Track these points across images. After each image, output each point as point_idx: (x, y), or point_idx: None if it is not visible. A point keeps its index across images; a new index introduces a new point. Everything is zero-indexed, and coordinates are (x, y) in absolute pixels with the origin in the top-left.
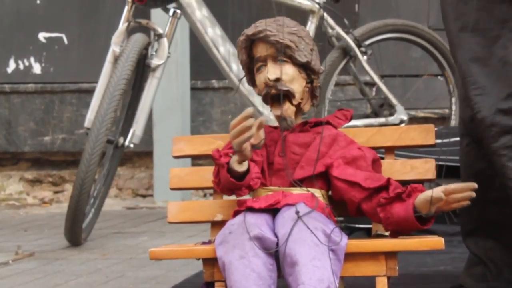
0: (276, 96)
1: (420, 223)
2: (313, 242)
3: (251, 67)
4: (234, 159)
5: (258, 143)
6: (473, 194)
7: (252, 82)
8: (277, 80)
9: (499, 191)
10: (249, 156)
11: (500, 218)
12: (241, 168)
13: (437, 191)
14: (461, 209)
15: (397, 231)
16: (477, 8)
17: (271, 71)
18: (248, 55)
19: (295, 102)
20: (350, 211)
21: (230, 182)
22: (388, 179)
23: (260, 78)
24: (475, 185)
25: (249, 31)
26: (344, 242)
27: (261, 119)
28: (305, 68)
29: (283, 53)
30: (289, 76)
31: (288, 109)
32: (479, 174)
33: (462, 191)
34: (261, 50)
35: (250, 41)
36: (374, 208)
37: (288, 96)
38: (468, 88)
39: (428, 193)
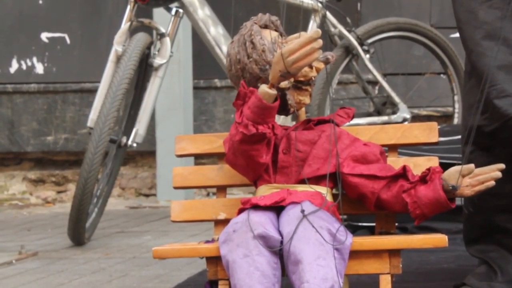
0: None
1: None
2: (317, 241)
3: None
4: (264, 86)
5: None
6: (500, 175)
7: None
8: None
9: (508, 198)
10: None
11: (508, 226)
12: (272, 91)
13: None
14: (465, 217)
15: (424, 215)
16: (500, 18)
17: None
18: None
19: None
20: (369, 206)
21: (263, 107)
22: (404, 166)
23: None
24: (502, 166)
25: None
26: (349, 241)
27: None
28: None
29: None
30: None
31: None
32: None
33: (489, 171)
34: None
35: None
36: (395, 196)
37: None
38: (497, 96)
39: (456, 167)
